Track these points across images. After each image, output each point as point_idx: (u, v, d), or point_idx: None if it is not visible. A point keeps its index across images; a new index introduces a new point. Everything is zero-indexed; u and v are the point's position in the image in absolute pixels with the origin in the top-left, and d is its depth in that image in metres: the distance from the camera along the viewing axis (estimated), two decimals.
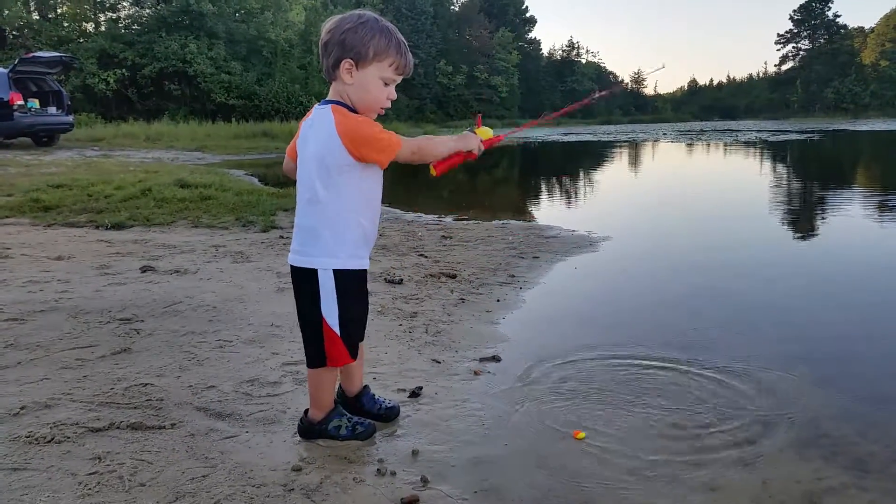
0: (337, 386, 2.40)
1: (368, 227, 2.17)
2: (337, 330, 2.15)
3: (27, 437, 2.19)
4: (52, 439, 2.19)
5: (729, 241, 6.29)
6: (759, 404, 2.60)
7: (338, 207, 2.09)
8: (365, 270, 2.21)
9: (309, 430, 2.27)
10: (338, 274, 2.11)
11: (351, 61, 2.04)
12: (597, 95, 2.76)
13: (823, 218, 7.84)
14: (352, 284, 2.15)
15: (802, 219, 7.79)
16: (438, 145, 2.21)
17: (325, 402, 2.28)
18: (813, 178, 13.09)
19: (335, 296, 2.12)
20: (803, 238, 6.61)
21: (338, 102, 2.09)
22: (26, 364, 2.87)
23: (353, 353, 2.23)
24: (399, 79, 2.15)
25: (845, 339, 3.44)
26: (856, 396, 2.69)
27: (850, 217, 7.59)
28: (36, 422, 2.31)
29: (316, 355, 2.20)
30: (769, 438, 2.32)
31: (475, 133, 2.32)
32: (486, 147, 2.33)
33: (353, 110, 2.09)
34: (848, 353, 3.23)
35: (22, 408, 2.41)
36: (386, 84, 2.11)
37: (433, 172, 2.25)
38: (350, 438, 2.25)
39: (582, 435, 2.33)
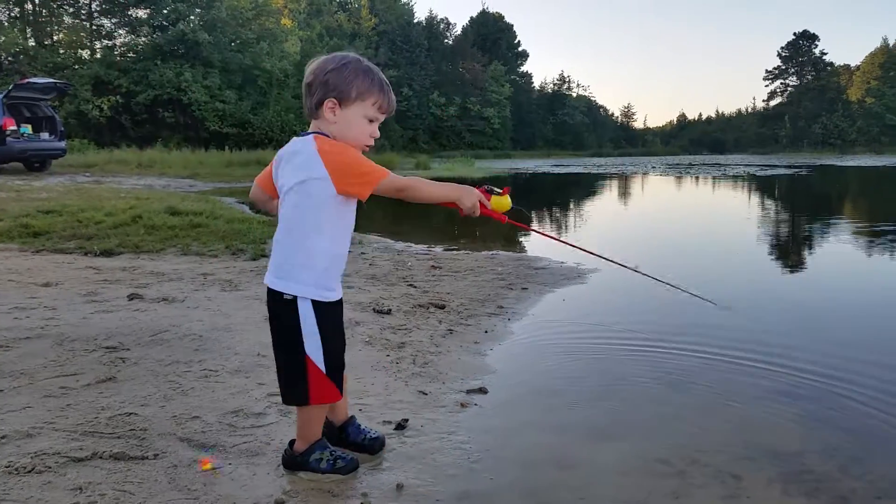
0: None
1: (344, 256, 2.20)
2: (323, 368, 2.13)
3: (7, 467, 2.17)
4: (33, 469, 2.17)
5: (716, 272, 6.33)
6: (744, 439, 2.60)
7: (317, 238, 2.09)
8: (338, 302, 2.20)
9: (292, 461, 2.25)
10: (317, 305, 2.10)
11: (334, 100, 2.09)
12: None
13: (809, 249, 7.90)
14: (332, 316, 2.16)
15: (789, 251, 7.85)
16: (432, 188, 2.18)
17: (312, 434, 2.26)
18: (799, 211, 13.21)
19: (317, 330, 2.10)
20: (792, 269, 6.66)
21: (318, 132, 2.11)
22: (9, 392, 2.85)
23: (341, 388, 2.22)
24: (382, 117, 2.18)
25: (829, 373, 3.45)
26: (839, 430, 2.70)
27: (831, 248, 7.66)
28: (17, 451, 2.29)
29: (299, 394, 2.17)
30: (753, 473, 2.32)
31: (491, 195, 2.23)
32: (483, 213, 2.23)
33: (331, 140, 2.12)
34: (831, 388, 3.24)
35: (3, 437, 2.39)
36: (370, 122, 2.15)
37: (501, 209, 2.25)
38: (330, 472, 2.23)
39: (208, 465, 2.21)
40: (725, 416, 2.85)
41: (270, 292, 2.14)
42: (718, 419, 2.83)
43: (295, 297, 2.09)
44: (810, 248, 8.30)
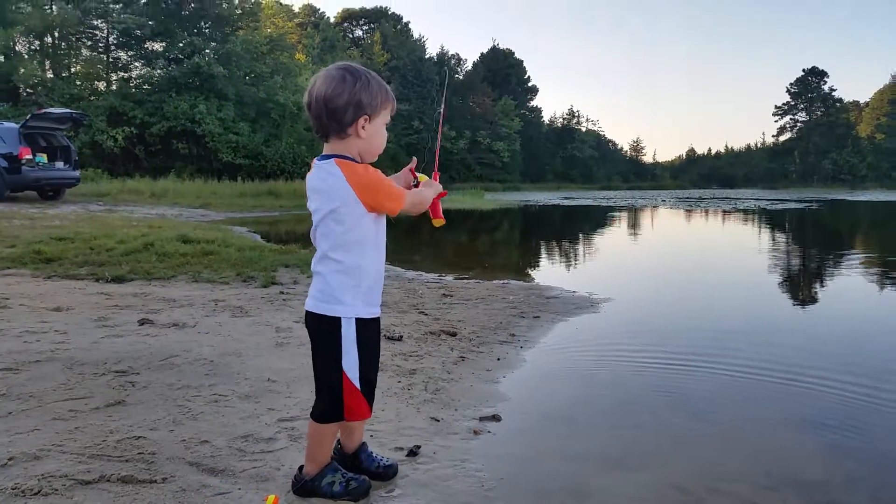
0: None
1: (381, 274, 2.20)
2: (357, 384, 2.13)
3: (13, 489, 2.13)
4: (40, 491, 2.13)
5: (730, 304, 6.26)
6: (765, 468, 2.53)
7: (355, 257, 2.10)
8: (377, 319, 2.21)
9: (303, 486, 2.21)
10: (359, 323, 2.11)
11: (367, 116, 2.09)
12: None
13: (821, 282, 7.83)
14: (371, 334, 2.17)
15: (801, 284, 7.78)
16: (425, 196, 2.31)
17: (323, 457, 2.23)
18: (811, 245, 13.13)
19: (356, 348, 2.11)
20: (804, 302, 6.58)
21: (338, 156, 2.08)
22: (18, 414, 2.82)
23: (371, 406, 2.21)
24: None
25: (853, 402, 3.38)
26: (865, 460, 2.63)
27: (849, 282, 7.58)
28: (24, 473, 2.25)
29: (333, 410, 2.16)
30: (776, 503, 2.26)
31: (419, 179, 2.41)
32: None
33: (364, 160, 2.14)
34: (857, 418, 3.17)
35: (10, 458, 2.35)
36: (386, 128, 2.21)
37: (441, 222, 2.38)
38: (343, 496, 2.18)
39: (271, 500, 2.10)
40: (745, 444, 2.79)
41: (313, 316, 2.14)
42: (737, 447, 2.76)
43: (339, 318, 2.10)
44: (829, 277, 8.22)
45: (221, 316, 4.89)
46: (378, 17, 74.44)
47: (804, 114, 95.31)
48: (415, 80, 66.30)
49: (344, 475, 2.23)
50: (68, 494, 2.13)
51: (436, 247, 11.73)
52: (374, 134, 2.13)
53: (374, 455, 2.40)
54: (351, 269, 2.10)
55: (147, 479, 2.26)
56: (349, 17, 76.02)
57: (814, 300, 6.85)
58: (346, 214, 2.06)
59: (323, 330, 2.12)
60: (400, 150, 60.17)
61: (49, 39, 38.72)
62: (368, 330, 2.15)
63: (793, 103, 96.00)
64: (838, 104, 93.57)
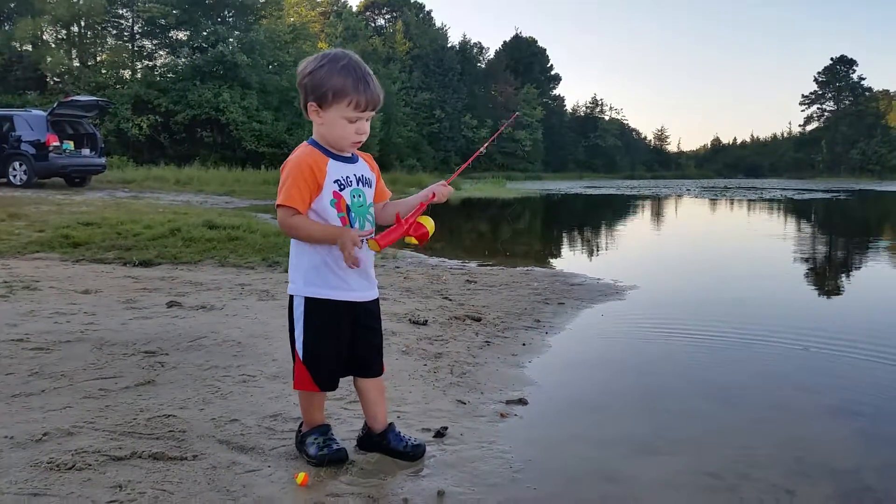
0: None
1: (327, 256, 2.18)
2: (301, 355, 2.23)
3: (48, 464, 2.16)
4: (74, 466, 2.15)
5: (759, 293, 6.19)
6: (797, 454, 2.50)
7: (298, 241, 2.22)
8: (333, 301, 2.20)
9: (296, 439, 2.37)
10: (305, 301, 2.21)
11: (315, 104, 2.13)
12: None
13: (847, 273, 7.71)
14: (316, 314, 2.21)
15: (829, 272, 7.67)
16: (311, 231, 2.14)
17: (311, 418, 2.34)
18: (839, 234, 12.93)
19: (302, 321, 2.22)
20: (831, 292, 6.49)
21: (312, 141, 2.21)
22: (50, 392, 2.86)
23: (323, 384, 2.25)
24: (364, 115, 2.16)
25: (887, 389, 3.33)
26: None
27: (882, 270, 7.46)
28: (58, 448, 2.28)
29: (294, 376, 2.30)
30: (809, 488, 2.23)
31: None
32: (380, 246, 2.14)
33: (329, 147, 2.19)
34: (892, 405, 3.12)
35: (44, 434, 2.38)
36: (350, 122, 2.15)
37: (377, 248, 2.16)
38: (313, 458, 2.25)
39: (301, 477, 2.13)
40: (776, 432, 2.75)
41: None
42: (769, 434, 2.73)
43: (291, 295, 2.25)
44: (864, 267, 8.10)
45: (248, 299, 4.92)
46: (400, 5, 74.13)
47: (832, 103, 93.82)
48: (437, 69, 66.05)
49: (326, 440, 2.29)
50: (101, 469, 2.15)
51: (458, 235, 11.71)
52: (330, 124, 2.15)
53: (402, 435, 2.40)
54: (295, 248, 2.23)
55: (178, 456, 2.27)
56: (371, 5, 75.80)
57: (854, 290, 6.75)
58: None
59: (289, 305, 2.27)
60: (422, 140, 60.14)
61: (75, 28, 39.14)
62: (315, 309, 2.20)
63: (820, 92, 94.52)
64: (867, 93, 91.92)
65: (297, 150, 2.19)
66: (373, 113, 2.19)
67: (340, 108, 2.11)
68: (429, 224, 2.17)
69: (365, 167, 2.29)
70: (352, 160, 2.25)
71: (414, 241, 2.17)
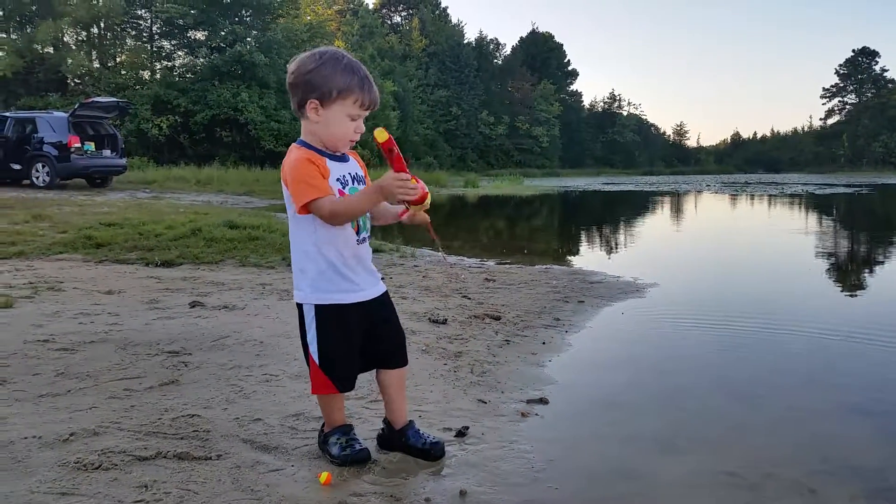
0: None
1: (336, 259, 2.19)
2: (316, 359, 2.24)
3: (76, 464, 2.19)
4: (100, 466, 2.19)
5: (781, 291, 6.13)
6: (820, 453, 2.48)
7: (299, 241, 2.21)
8: (343, 305, 2.22)
9: (319, 439, 2.39)
10: (315, 308, 2.22)
11: (316, 101, 2.11)
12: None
13: (870, 269, 7.62)
14: (328, 318, 2.22)
15: (853, 268, 7.58)
16: (354, 203, 2.11)
17: (332, 419, 2.35)
18: (861, 230, 12.77)
19: (315, 328, 2.23)
20: (855, 288, 6.42)
21: (302, 142, 2.18)
22: (76, 392, 2.90)
23: (341, 385, 2.27)
24: (365, 113, 2.19)
25: None
26: None
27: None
28: (84, 448, 2.32)
29: (311, 381, 2.30)
30: (833, 487, 2.21)
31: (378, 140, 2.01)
32: (392, 161, 2.02)
33: (323, 146, 2.18)
34: None
35: (71, 434, 2.42)
36: (352, 119, 2.16)
37: (418, 208, 2.09)
38: (337, 458, 2.26)
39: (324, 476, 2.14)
40: (797, 430, 2.73)
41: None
42: (790, 432, 2.71)
43: (301, 304, 2.25)
44: (884, 264, 8.00)
45: (269, 299, 4.96)
46: (416, 2, 74.15)
47: (853, 96, 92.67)
48: (453, 66, 66.03)
49: (349, 440, 2.30)
50: (127, 469, 2.18)
51: (475, 232, 11.71)
52: (330, 122, 2.13)
53: (421, 432, 2.41)
54: (301, 255, 2.21)
55: (202, 455, 2.30)
56: (388, 3, 75.90)
57: (878, 286, 6.67)
58: (288, 199, 2.17)
59: (299, 311, 2.29)
60: (438, 137, 60.15)
61: (95, 30, 39.58)
62: (326, 314, 2.21)
63: (842, 85, 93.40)
64: (890, 85, 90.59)
65: (293, 153, 2.16)
66: (367, 113, 2.21)
67: (345, 106, 2.12)
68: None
69: (356, 165, 2.31)
70: (344, 159, 2.26)
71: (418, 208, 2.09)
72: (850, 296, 6.08)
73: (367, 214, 2.27)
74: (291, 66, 2.16)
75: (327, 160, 2.17)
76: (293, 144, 2.19)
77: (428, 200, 2.09)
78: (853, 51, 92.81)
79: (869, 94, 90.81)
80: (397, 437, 2.38)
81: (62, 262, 6.57)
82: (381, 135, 1.98)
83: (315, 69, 2.10)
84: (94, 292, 5.07)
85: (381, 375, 2.38)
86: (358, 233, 2.24)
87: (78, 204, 12.99)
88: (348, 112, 2.13)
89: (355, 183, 2.25)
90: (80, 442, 2.37)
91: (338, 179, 2.18)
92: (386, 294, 2.35)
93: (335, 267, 2.19)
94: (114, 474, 2.15)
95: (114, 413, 2.66)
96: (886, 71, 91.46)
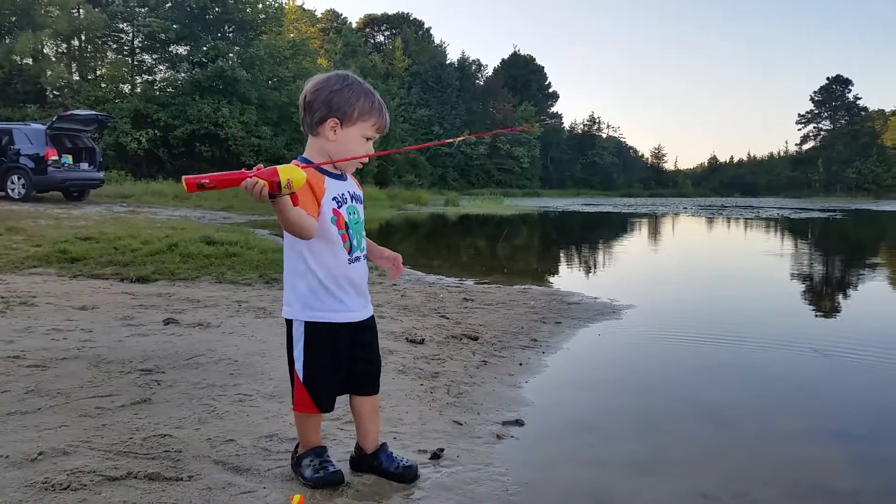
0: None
1: (325, 278, 2.19)
2: (301, 377, 2.23)
3: (43, 484, 2.15)
4: (69, 486, 2.15)
5: (756, 314, 6.20)
6: (793, 476, 2.50)
7: (292, 258, 2.23)
8: (332, 324, 2.22)
9: (292, 461, 2.36)
10: (304, 325, 2.21)
11: (336, 120, 2.17)
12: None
13: (845, 291, 7.73)
14: (316, 336, 2.22)
15: (828, 291, 7.68)
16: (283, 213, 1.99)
17: (307, 440, 2.33)
18: (835, 254, 12.96)
19: (302, 344, 2.22)
20: (831, 311, 6.50)
21: (303, 158, 2.20)
22: (46, 410, 2.85)
23: (321, 406, 2.26)
24: (377, 136, 2.28)
25: (884, 411, 3.33)
26: None
27: (876, 291, 7.48)
28: (53, 468, 2.28)
29: (293, 398, 2.30)
30: None
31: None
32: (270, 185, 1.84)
33: (331, 165, 2.21)
34: (889, 428, 3.12)
35: (40, 453, 2.38)
36: (367, 139, 2.24)
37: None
38: (309, 481, 2.25)
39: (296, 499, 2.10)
40: (772, 453, 2.75)
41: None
42: (765, 455, 2.73)
43: (290, 320, 2.25)
44: (863, 288, 8.12)
45: (245, 317, 4.92)
46: (400, 22, 74.68)
47: (828, 122, 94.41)
48: (435, 85, 66.48)
49: (322, 462, 2.29)
50: (96, 490, 2.14)
51: (455, 251, 11.72)
52: (346, 141, 2.19)
53: (394, 456, 2.39)
54: (293, 273, 2.22)
55: (173, 476, 2.27)
56: (371, 22, 76.36)
57: (854, 309, 6.76)
58: None
59: (287, 329, 2.28)
60: (419, 156, 60.30)
61: (76, 42, 39.34)
62: (313, 331, 2.21)
63: (816, 111, 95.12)
64: (863, 112, 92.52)
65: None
66: (378, 136, 2.30)
67: (364, 127, 2.21)
68: (291, 173, 1.86)
69: (354, 185, 2.33)
70: (342, 177, 2.28)
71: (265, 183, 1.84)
72: (825, 316, 6.16)
73: (363, 234, 2.31)
74: (311, 86, 2.21)
75: (326, 178, 2.19)
76: (294, 161, 2.19)
77: (287, 176, 1.85)
78: (827, 78, 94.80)
79: (843, 121, 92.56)
80: (369, 461, 2.37)
81: (36, 276, 6.49)
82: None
83: (339, 90, 2.17)
84: (67, 308, 5.00)
85: (354, 401, 2.36)
86: (350, 252, 2.24)
87: (54, 217, 12.84)
88: (365, 133, 2.22)
89: (353, 202, 2.27)
90: (49, 461, 2.33)
91: (334, 198, 2.20)
92: (372, 318, 2.35)
93: (325, 286, 2.20)
94: (83, 495, 2.11)
95: (84, 432, 2.62)
96: (860, 99, 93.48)
